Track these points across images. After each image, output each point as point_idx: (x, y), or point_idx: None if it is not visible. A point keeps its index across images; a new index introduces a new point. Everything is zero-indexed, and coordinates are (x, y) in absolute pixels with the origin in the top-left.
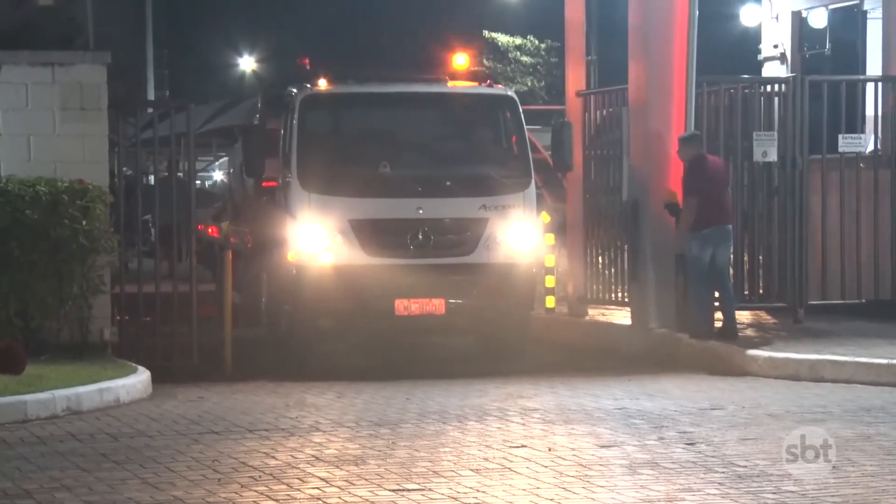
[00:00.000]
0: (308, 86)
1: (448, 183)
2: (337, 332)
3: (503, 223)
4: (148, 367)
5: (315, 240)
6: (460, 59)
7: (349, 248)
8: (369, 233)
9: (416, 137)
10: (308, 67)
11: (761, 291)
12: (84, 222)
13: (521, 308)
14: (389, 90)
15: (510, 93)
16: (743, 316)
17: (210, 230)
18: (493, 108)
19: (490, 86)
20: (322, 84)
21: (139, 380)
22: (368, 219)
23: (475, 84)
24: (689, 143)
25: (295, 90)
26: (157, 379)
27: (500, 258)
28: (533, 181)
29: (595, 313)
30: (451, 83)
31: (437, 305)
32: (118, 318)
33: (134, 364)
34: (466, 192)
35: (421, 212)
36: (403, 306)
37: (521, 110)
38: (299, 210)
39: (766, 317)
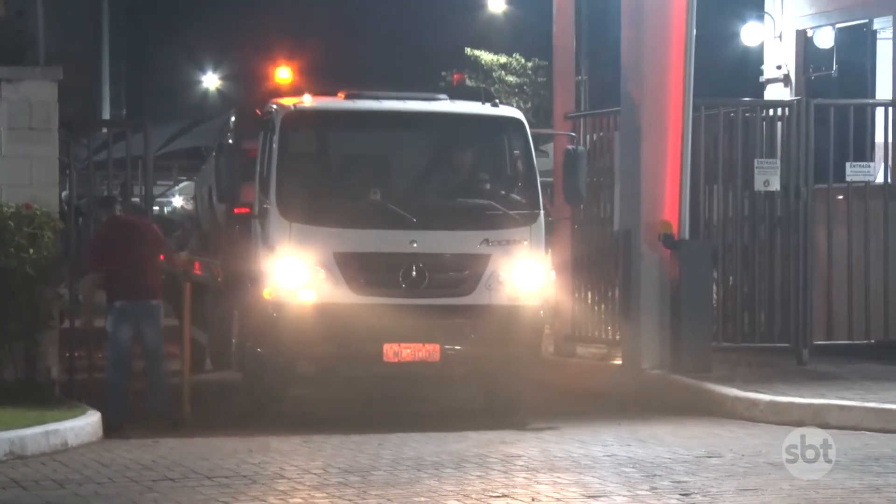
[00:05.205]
0: (291, 101)
1: (447, 214)
2: (317, 378)
3: (507, 260)
4: (98, 409)
5: (295, 275)
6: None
7: (333, 285)
8: (356, 268)
9: (411, 162)
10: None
11: (762, 330)
12: (31, 251)
13: (527, 357)
14: (383, 108)
15: (518, 114)
16: (743, 356)
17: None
18: (499, 131)
19: (495, 105)
20: (307, 100)
21: (89, 422)
22: (356, 252)
23: (478, 103)
24: (104, 205)
25: (276, 106)
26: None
27: (504, 300)
28: (542, 214)
29: (584, 352)
30: (451, 101)
31: (431, 352)
32: (67, 355)
33: (83, 405)
34: (467, 224)
35: (415, 246)
36: (393, 352)
37: (529, 134)
38: (278, 241)
39: (767, 357)
